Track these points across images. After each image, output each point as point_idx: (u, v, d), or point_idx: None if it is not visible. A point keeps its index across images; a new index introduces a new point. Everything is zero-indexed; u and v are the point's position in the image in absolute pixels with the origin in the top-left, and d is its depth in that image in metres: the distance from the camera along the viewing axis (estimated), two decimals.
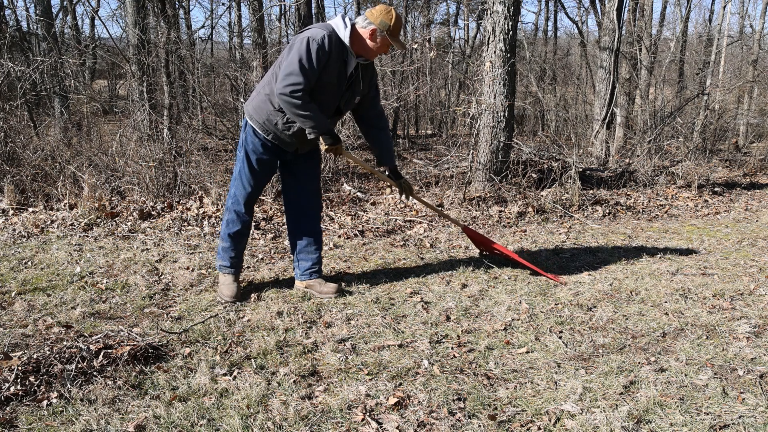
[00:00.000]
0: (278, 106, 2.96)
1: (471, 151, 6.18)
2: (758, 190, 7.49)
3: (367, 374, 2.41)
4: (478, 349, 2.66)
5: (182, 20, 14.12)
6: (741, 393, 2.28)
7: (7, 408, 2.09)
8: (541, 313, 3.11)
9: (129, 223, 4.73)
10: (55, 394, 2.17)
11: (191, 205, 5.15)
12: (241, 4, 14.09)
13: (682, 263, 4.07)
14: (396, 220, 5.18)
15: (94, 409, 2.11)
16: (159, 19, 7.34)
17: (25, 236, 4.39)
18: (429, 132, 14.22)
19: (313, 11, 9.81)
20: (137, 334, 2.67)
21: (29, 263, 3.78)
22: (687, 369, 2.48)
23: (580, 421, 2.08)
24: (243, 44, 11.94)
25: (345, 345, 2.68)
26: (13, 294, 3.21)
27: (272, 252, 4.21)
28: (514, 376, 2.43)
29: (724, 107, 11.05)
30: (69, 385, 2.23)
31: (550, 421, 2.09)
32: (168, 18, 7.26)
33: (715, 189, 7.17)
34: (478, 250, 4.21)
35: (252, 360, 2.51)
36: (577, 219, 5.58)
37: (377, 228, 4.93)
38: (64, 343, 2.54)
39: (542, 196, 5.94)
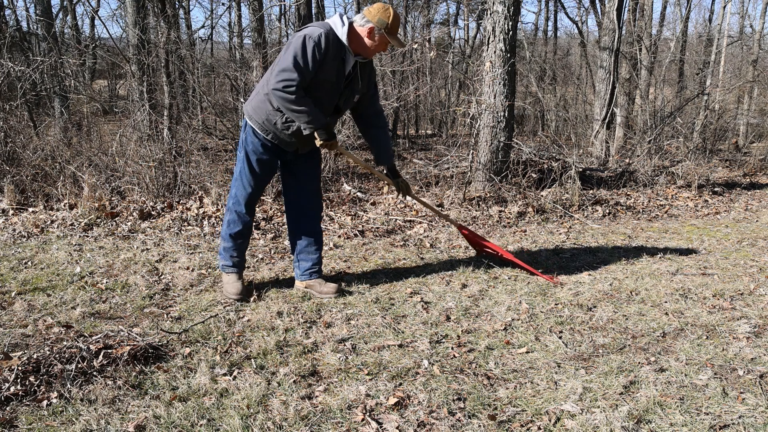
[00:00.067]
0: (277, 105, 2.96)
1: (471, 151, 6.18)
2: (758, 190, 7.49)
3: (367, 374, 2.41)
4: (478, 349, 2.66)
5: (182, 20, 14.12)
6: (741, 393, 2.28)
7: (7, 408, 2.09)
8: (541, 313, 3.11)
9: (129, 223, 4.73)
10: (55, 394, 2.17)
11: (191, 205, 5.15)
12: (241, 4, 14.10)
13: (682, 263, 4.07)
14: (396, 220, 5.18)
15: (94, 409, 2.11)
16: (159, 19, 7.34)
17: (25, 236, 4.39)
18: (429, 132, 14.22)
19: (313, 11, 9.81)
20: (137, 334, 2.67)
21: (29, 263, 3.78)
22: (687, 369, 2.48)
23: (580, 421, 2.08)
24: (243, 44, 11.95)
25: (345, 345, 2.68)
26: (13, 294, 3.21)
27: (272, 252, 4.21)
28: (514, 376, 2.43)
29: (724, 107, 11.05)
30: (69, 385, 2.23)
31: (550, 421, 2.09)
32: (168, 18, 7.26)
33: (715, 189, 7.17)
34: (476, 251, 4.21)
35: (252, 360, 2.51)
36: (577, 219, 5.58)
37: (377, 228, 4.93)
38: (64, 343, 2.54)
39: (542, 196, 5.94)
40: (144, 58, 6.73)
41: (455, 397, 2.24)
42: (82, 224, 4.64)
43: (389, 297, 3.31)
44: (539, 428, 2.05)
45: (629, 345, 2.73)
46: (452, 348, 2.68)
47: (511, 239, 4.79)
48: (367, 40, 2.95)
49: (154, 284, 3.45)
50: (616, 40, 8.31)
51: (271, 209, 5.25)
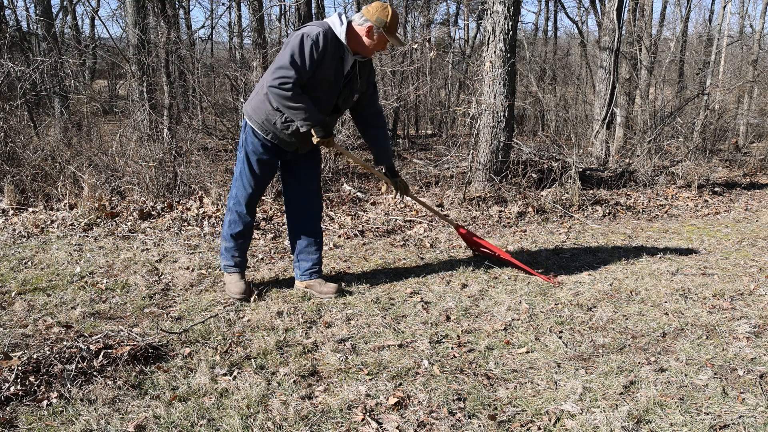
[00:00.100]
0: (276, 104, 2.96)
1: (471, 151, 6.18)
2: (758, 190, 7.49)
3: (367, 374, 2.41)
4: (478, 349, 2.66)
5: (182, 20, 14.12)
6: (741, 393, 2.28)
7: (7, 408, 2.09)
8: (541, 313, 3.11)
9: (129, 223, 4.73)
10: (55, 394, 2.17)
11: (191, 205, 5.15)
12: (241, 4, 14.10)
13: (682, 263, 4.07)
14: (396, 220, 5.18)
15: (94, 409, 2.11)
16: (159, 19, 7.34)
17: (25, 236, 4.39)
18: (429, 132, 14.22)
19: (313, 11, 9.81)
20: (137, 334, 2.67)
21: (29, 263, 3.78)
22: (687, 369, 2.48)
23: (580, 421, 2.08)
24: (243, 44, 11.95)
25: (345, 345, 2.68)
26: (13, 294, 3.21)
27: (272, 252, 4.21)
28: (514, 376, 2.43)
29: (724, 107, 11.05)
30: (69, 385, 2.23)
31: (550, 421, 2.09)
32: (168, 18, 7.26)
33: (715, 189, 7.17)
34: (472, 251, 4.20)
35: (252, 360, 2.51)
36: (577, 219, 5.58)
37: (377, 228, 4.94)
38: (64, 343, 2.54)
39: (542, 196, 5.94)
40: (144, 58, 6.73)
41: (455, 397, 2.24)
42: (82, 224, 4.64)
43: (389, 297, 3.31)
44: (539, 428, 2.05)
45: (629, 345, 2.73)
46: (452, 348, 2.68)
47: (511, 239, 4.79)
48: (365, 39, 2.96)
49: (154, 284, 3.45)
50: (616, 40, 8.31)
51: (271, 209, 5.25)
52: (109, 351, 2.44)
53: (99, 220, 4.76)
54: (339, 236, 4.66)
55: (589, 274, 3.79)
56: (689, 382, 2.37)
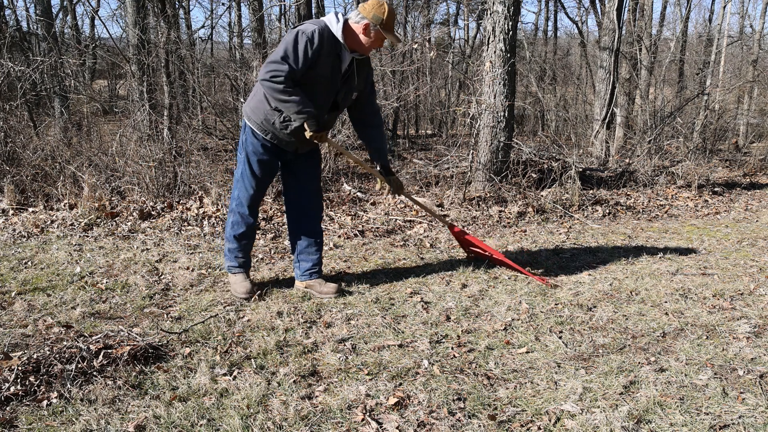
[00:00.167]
0: (274, 105, 2.96)
1: (471, 151, 6.18)
2: (758, 190, 7.49)
3: (367, 374, 2.41)
4: (478, 349, 2.66)
5: (182, 20, 14.12)
6: (741, 393, 2.28)
7: (7, 408, 2.09)
8: (541, 313, 3.11)
9: (129, 223, 4.73)
10: (55, 394, 2.17)
11: (191, 205, 5.15)
12: (241, 4, 14.10)
13: (682, 263, 4.06)
14: (396, 220, 5.18)
15: (94, 409, 2.11)
16: (159, 19, 7.34)
17: (25, 236, 4.39)
18: (429, 132, 14.22)
19: (313, 11, 9.81)
20: (137, 334, 2.67)
21: (29, 263, 3.78)
22: (687, 369, 2.48)
23: (580, 421, 2.08)
24: (243, 44, 11.95)
25: (345, 345, 2.68)
26: (13, 294, 3.21)
27: (272, 252, 4.21)
28: (514, 376, 2.43)
29: (724, 107, 11.05)
30: (69, 385, 2.23)
31: (550, 421, 2.09)
32: (168, 18, 7.26)
33: (715, 189, 7.17)
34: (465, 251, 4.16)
35: (252, 360, 2.51)
36: (577, 219, 5.58)
37: (377, 228, 4.94)
38: (64, 343, 2.54)
39: (542, 196, 5.94)
40: (144, 58, 6.73)
41: (455, 397, 2.24)
42: (82, 224, 4.64)
43: (389, 297, 3.31)
44: (539, 428, 2.05)
45: (629, 345, 2.73)
46: (452, 348, 2.68)
47: (511, 239, 4.79)
48: (362, 37, 2.96)
49: (154, 284, 3.45)
50: (616, 40, 8.31)
51: (271, 209, 5.25)
52: (109, 351, 2.44)
53: (99, 220, 4.76)
54: (339, 236, 4.66)
55: (589, 274, 3.79)
56: (689, 382, 2.37)
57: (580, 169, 6.65)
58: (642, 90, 10.26)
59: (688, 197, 6.69)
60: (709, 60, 13.94)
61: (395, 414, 2.13)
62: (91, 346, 2.45)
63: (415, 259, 4.09)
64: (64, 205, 5.05)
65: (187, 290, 3.38)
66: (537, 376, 2.42)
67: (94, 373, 2.32)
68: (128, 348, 2.46)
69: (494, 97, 5.96)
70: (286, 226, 4.68)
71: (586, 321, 3.01)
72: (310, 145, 3.20)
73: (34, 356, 2.35)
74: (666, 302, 3.29)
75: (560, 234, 5.00)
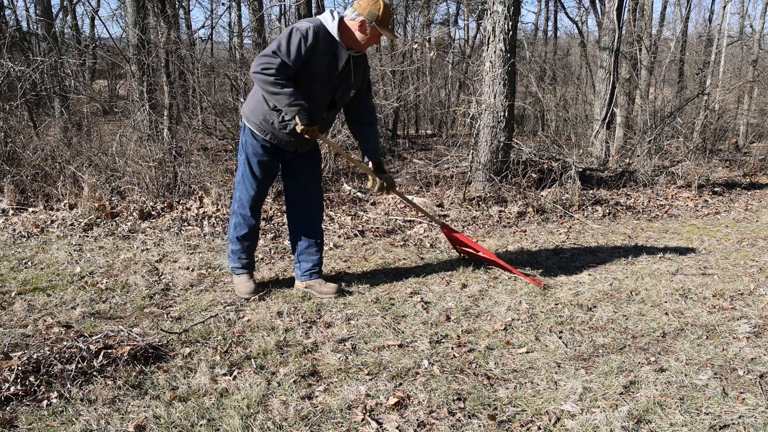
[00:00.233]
0: (273, 104, 2.96)
1: (471, 151, 6.18)
2: (758, 190, 7.49)
3: (367, 374, 2.41)
4: (478, 349, 2.66)
5: (182, 20, 14.11)
6: (741, 393, 2.28)
7: (7, 408, 2.09)
8: (541, 313, 3.11)
9: (129, 223, 4.73)
10: (55, 394, 2.17)
11: (191, 205, 5.15)
12: (241, 4, 14.10)
13: (682, 263, 4.06)
14: (396, 220, 5.18)
15: (94, 409, 2.11)
16: (159, 19, 7.34)
17: (25, 236, 4.39)
18: (429, 132, 14.22)
19: (313, 11, 9.81)
20: (137, 334, 2.67)
21: (29, 263, 3.78)
22: (687, 369, 2.48)
23: (580, 421, 2.08)
24: (243, 44, 11.95)
25: (345, 345, 2.68)
26: (13, 294, 3.22)
27: (272, 252, 4.21)
28: (514, 376, 2.43)
29: (724, 107, 11.05)
30: (69, 385, 2.23)
31: (550, 421, 2.09)
32: (168, 18, 7.26)
33: (715, 189, 7.17)
34: (456, 251, 4.15)
35: (252, 360, 2.51)
36: (577, 219, 5.58)
37: (377, 228, 4.94)
38: (64, 343, 2.54)
39: (542, 196, 5.94)
40: (144, 58, 6.74)
41: (455, 397, 2.24)
42: (82, 224, 4.64)
43: (389, 297, 3.32)
44: (539, 428, 2.05)
45: (629, 345, 2.73)
46: (452, 348, 2.68)
47: (511, 239, 4.79)
48: (358, 34, 2.96)
49: (154, 284, 3.45)
50: (616, 40, 8.31)
51: (271, 209, 5.25)
52: (109, 351, 2.44)
53: (99, 220, 4.76)
54: (339, 236, 4.66)
55: (589, 274, 3.79)
56: (689, 382, 2.37)
57: (580, 169, 6.65)
58: (642, 90, 10.26)
59: (688, 197, 6.69)
60: (709, 60, 13.94)
61: (395, 414, 2.13)
62: (91, 346, 2.45)
63: (415, 259, 4.09)
64: (64, 205, 5.05)
65: (187, 290, 3.38)
66: (537, 376, 2.42)
67: (94, 373, 2.32)
68: (128, 348, 2.46)
69: (494, 97, 5.96)
70: (286, 226, 4.68)
71: (586, 321, 3.01)
72: (310, 145, 3.20)
73: (34, 356, 2.35)
74: (666, 302, 3.29)
75: (560, 234, 5.01)
